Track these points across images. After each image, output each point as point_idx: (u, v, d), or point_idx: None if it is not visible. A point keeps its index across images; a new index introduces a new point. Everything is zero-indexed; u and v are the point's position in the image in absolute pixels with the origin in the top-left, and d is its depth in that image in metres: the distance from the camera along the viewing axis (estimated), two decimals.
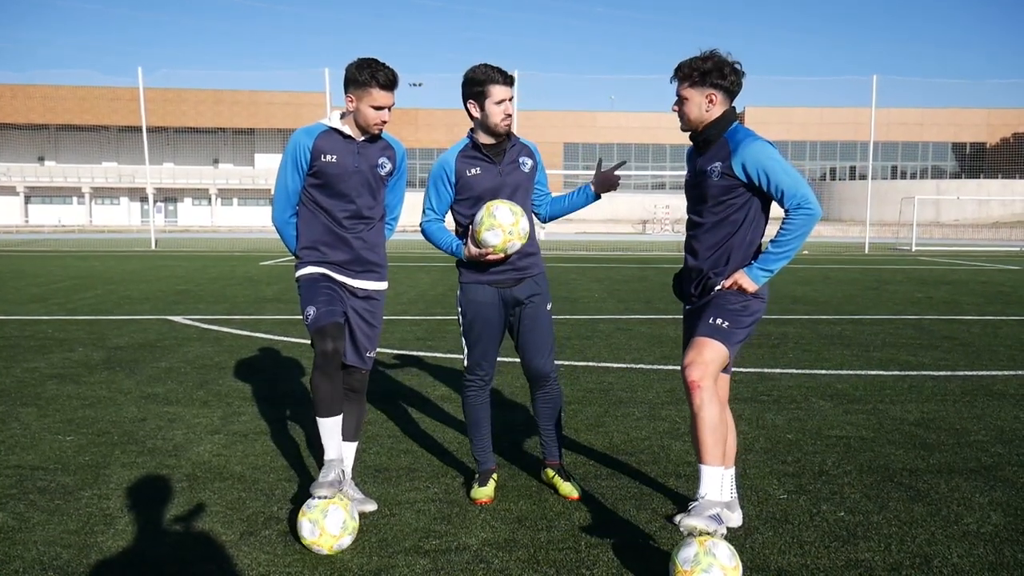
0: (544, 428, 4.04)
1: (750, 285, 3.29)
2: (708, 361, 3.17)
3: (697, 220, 3.44)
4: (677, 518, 3.05)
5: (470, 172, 3.77)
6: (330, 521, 3.24)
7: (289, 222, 3.75)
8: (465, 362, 3.96)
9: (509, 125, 3.75)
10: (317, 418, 3.53)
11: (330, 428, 3.54)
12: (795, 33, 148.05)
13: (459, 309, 3.92)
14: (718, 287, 3.35)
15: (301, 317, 3.64)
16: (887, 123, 59.44)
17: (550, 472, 4.04)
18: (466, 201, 3.80)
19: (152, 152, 37.18)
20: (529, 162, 3.88)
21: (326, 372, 3.47)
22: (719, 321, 3.25)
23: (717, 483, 3.08)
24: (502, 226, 3.58)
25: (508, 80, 3.70)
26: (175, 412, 5.47)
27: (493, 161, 3.79)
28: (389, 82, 3.51)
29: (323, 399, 3.49)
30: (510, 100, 3.72)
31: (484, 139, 3.79)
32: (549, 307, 3.96)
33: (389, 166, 3.74)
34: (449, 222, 3.96)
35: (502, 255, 3.67)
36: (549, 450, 4.06)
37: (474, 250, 3.70)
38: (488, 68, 3.70)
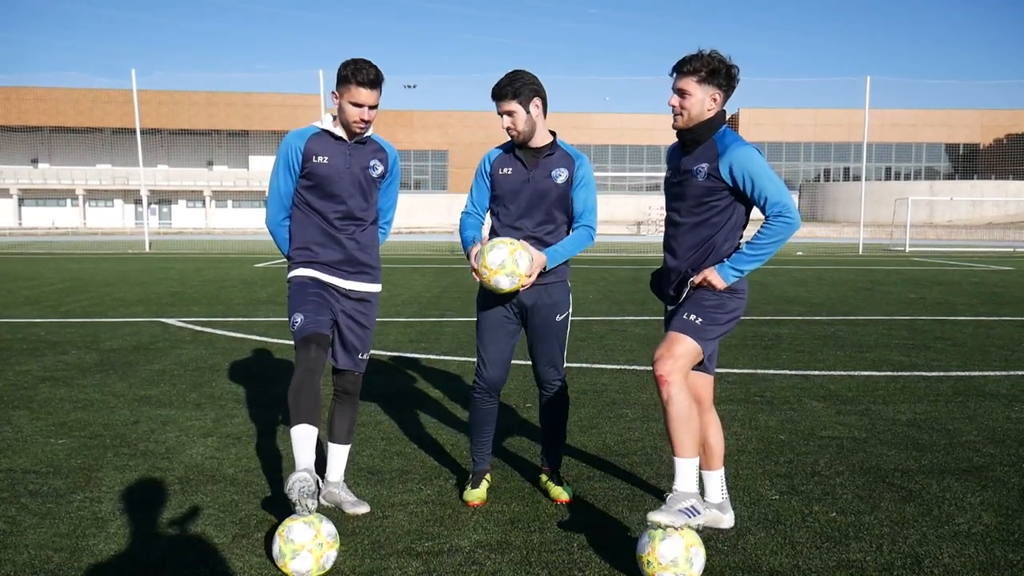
0: (544, 431, 4.07)
1: (719, 282, 3.30)
2: (677, 356, 3.20)
3: (677, 220, 3.44)
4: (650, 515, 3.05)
5: (502, 171, 3.81)
6: (325, 528, 3.15)
7: (282, 224, 3.76)
8: (476, 366, 3.96)
9: (517, 137, 3.73)
10: (291, 428, 3.32)
11: (304, 436, 3.32)
12: (788, 34, 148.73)
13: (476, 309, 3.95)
14: (690, 281, 3.37)
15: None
16: (881, 124, 59.71)
17: (543, 477, 4.06)
18: (494, 199, 3.86)
19: (146, 154, 37.13)
20: (564, 174, 3.77)
21: (305, 381, 3.36)
22: (693, 317, 3.29)
23: (691, 475, 3.14)
24: (517, 272, 3.54)
25: (504, 95, 3.65)
26: (168, 415, 5.46)
27: (526, 166, 3.78)
28: (369, 80, 3.49)
29: (301, 407, 3.32)
30: (511, 115, 3.68)
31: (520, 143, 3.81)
32: (561, 317, 3.88)
33: (381, 168, 3.74)
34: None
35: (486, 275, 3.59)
36: (546, 455, 4.07)
37: (472, 262, 3.66)
38: (498, 86, 3.66)
